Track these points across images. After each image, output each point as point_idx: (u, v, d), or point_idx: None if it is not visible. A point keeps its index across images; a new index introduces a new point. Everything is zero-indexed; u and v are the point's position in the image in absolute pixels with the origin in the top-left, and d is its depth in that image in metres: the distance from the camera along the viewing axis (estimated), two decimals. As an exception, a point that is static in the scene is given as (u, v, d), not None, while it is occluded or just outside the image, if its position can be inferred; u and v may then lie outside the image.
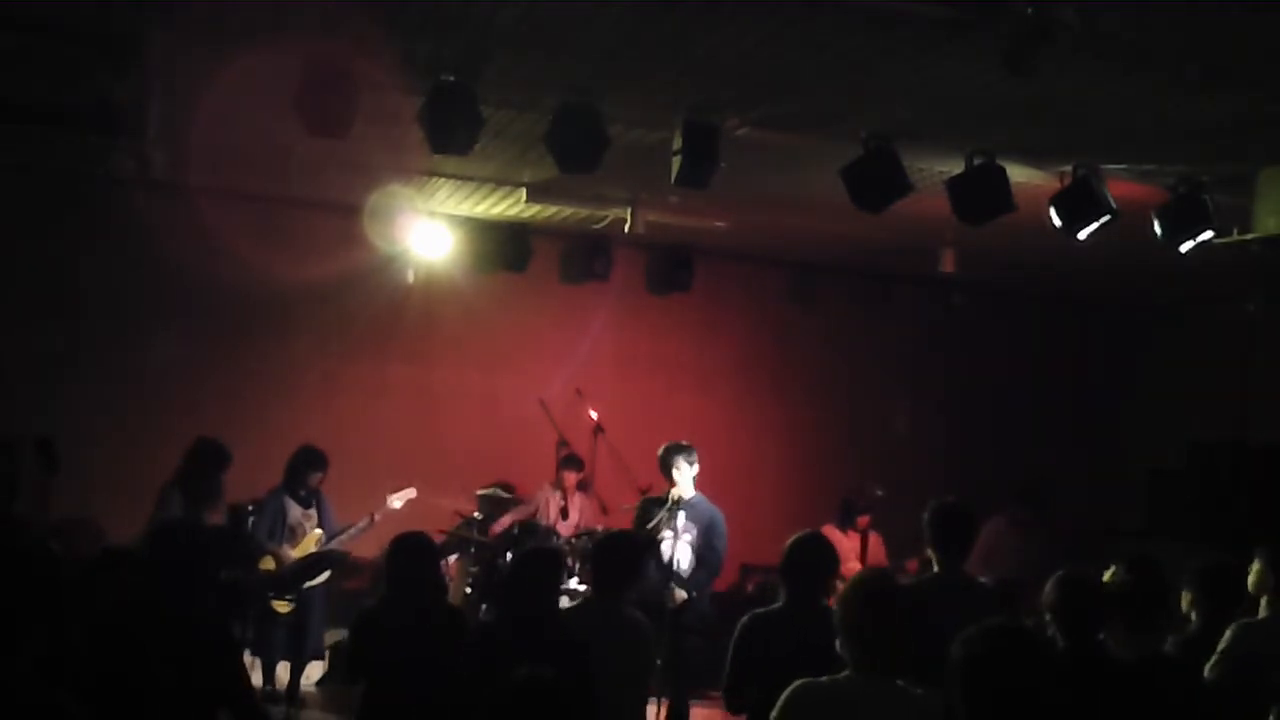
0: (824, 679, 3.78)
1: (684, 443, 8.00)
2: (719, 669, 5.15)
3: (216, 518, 8.07)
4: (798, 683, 3.78)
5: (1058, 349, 11.56)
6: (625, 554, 5.30)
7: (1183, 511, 9.92)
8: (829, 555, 5.18)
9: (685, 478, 7.87)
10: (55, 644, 3.54)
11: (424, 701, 4.74)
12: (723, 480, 10.02)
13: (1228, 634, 5.05)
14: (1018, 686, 3.25)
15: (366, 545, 9.04)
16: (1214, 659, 4.99)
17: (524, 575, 4.92)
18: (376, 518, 8.43)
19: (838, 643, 3.80)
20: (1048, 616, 4.46)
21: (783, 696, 3.77)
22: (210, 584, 4.58)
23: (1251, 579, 5.34)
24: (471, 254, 9.95)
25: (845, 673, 3.78)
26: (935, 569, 5.47)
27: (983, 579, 6.41)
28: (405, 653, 4.86)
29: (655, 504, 8.07)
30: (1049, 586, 4.53)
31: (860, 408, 11.26)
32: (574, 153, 6.00)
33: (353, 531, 8.47)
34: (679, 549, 7.93)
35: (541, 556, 5.07)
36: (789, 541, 5.12)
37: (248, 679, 4.40)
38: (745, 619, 5.10)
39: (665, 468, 7.95)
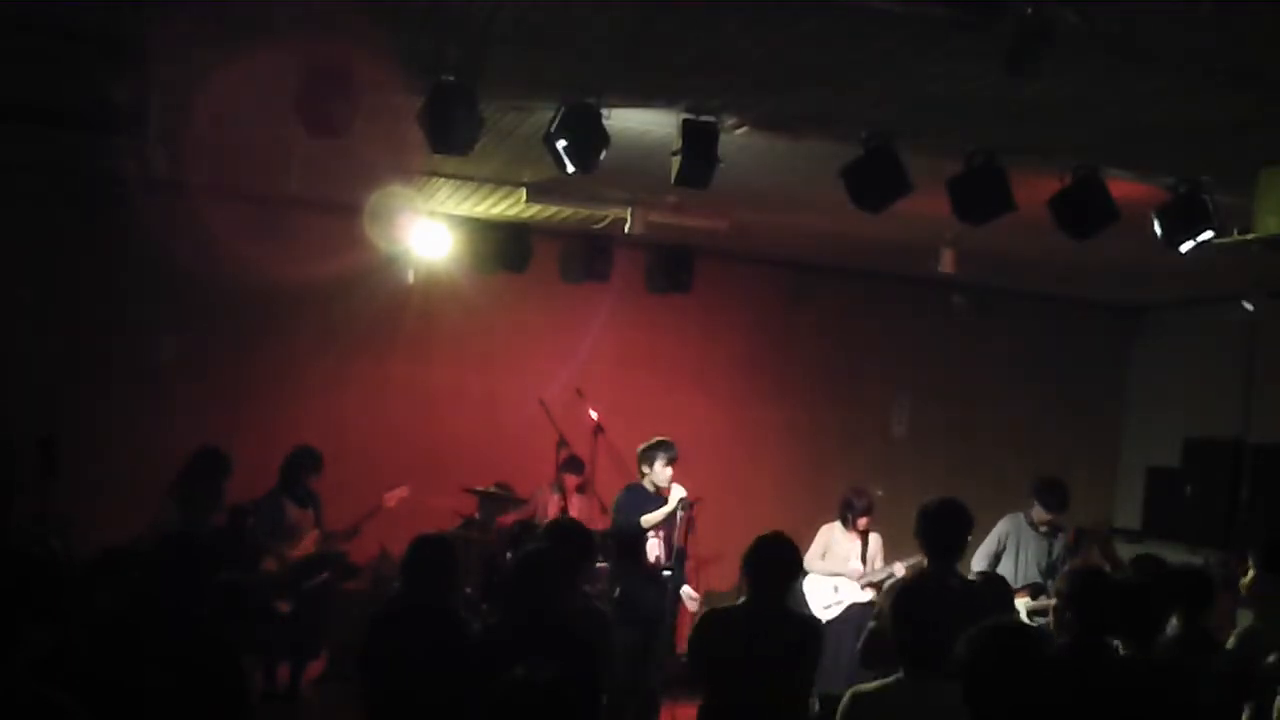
0: (875, 683, 3.81)
1: (664, 438, 8.08)
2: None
3: (217, 519, 8.09)
4: (852, 691, 3.83)
5: (1057, 349, 11.57)
6: (577, 542, 5.37)
7: (1180, 511, 9.93)
8: (793, 557, 5.24)
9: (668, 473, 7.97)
10: (55, 644, 3.54)
11: (431, 701, 4.74)
12: (723, 480, 10.04)
13: (1231, 640, 5.07)
14: (1022, 686, 3.26)
15: (367, 546, 9.06)
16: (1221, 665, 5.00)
17: (528, 574, 4.93)
18: (360, 528, 8.50)
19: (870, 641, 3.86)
20: (1061, 610, 4.46)
21: (840, 706, 3.80)
22: (210, 584, 4.57)
23: (1245, 581, 5.35)
24: (471, 254, 9.95)
25: (896, 675, 3.79)
26: (925, 566, 5.50)
27: (972, 576, 6.41)
28: (415, 652, 4.86)
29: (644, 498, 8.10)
30: (1063, 581, 4.54)
31: (860, 408, 11.27)
32: (572, 152, 5.99)
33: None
34: (659, 545, 8.02)
35: (545, 555, 5.06)
36: (754, 540, 5.20)
37: (246, 679, 4.40)
38: (703, 615, 5.27)
39: (649, 461, 8.02)
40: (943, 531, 5.33)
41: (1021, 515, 8.22)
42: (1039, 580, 7.80)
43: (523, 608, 4.82)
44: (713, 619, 5.20)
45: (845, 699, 3.83)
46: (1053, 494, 8.18)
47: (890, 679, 3.81)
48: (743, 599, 5.25)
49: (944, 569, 5.37)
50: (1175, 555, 7.15)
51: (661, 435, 8.20)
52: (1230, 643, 5.06)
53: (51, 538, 6.22)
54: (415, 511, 8.45)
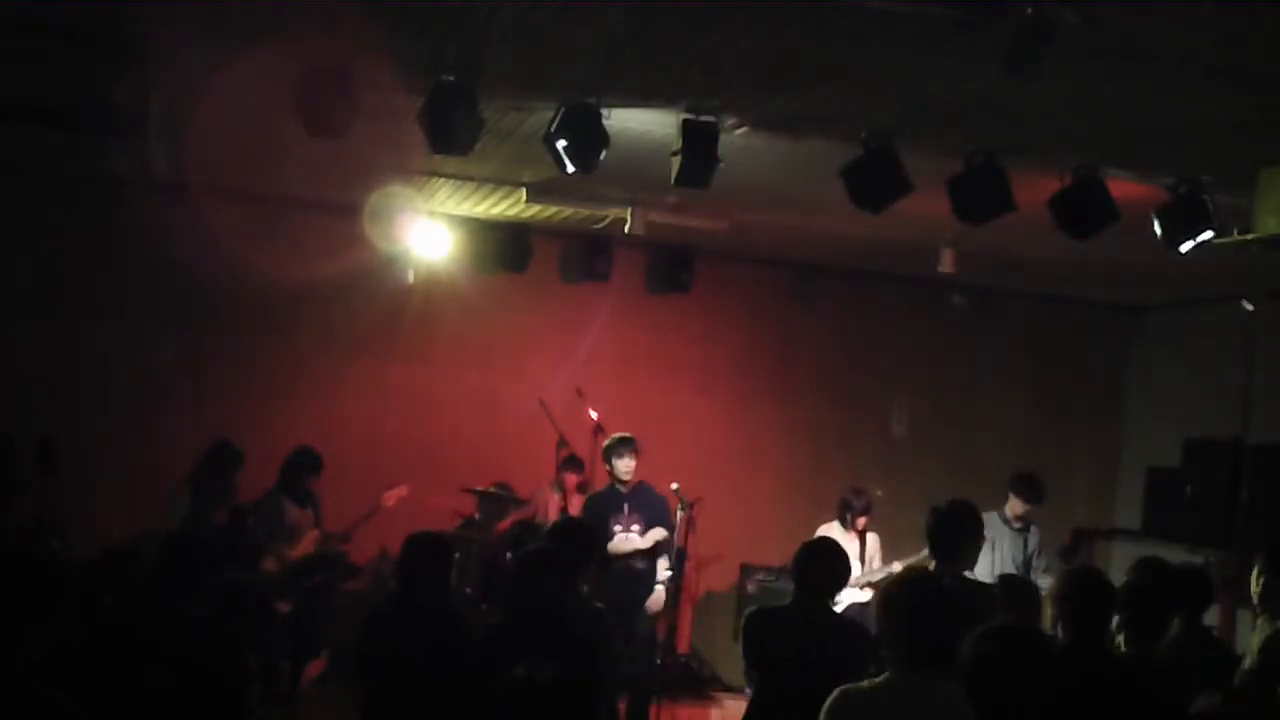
0: (865, 682, 3.78)
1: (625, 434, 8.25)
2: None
3: (219, 517, 8.10)
4: (839, 690, 3.79)
5: (1057, 349, 11.57)
6: (580, 542, 5.40)
7: (1180, 511, 9.92)
8: (836, 563, 5.28)
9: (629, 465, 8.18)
10: (55, 644, 3.54)
11: (429, 700, 4.74)
12: (723, 480, 10.04)
13: (1252, 659, 5.07)
14: (1024, 685, 3.26)
15: (366, 546, 9.05)
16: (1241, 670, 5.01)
17: (529, 574, 4.93)
18: (350, 536, 8.51)
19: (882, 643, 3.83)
20: (1055, 610, 4.46)
21: (826, 705, 3.77)
22: (210, 584, 4.58)
23: (1253, 585, 5.34)
24: (471, 254, 9.95)
25: (885, 675, 3.76)
26: (931, 568, 5.52)
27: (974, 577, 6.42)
28: (412, 651, 4.86)
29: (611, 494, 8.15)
30: (1060, 580, 4.53)
31: (860, 408, 11.26)
32: (572, 152, 6.00)
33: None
34: (632, 540, 8.09)
35: (546, 555, 5.07)
36: (801, 545, 5.31)
37: (248, 679, 4.40)
38: (750, 613, 5.31)
39: (609, 457, 8.13)
40: (950, 533, 5.35)
41: (995, 513, 8.28)
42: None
43: (524, 607, 4.82)
44: (758, 617, 5.29)
45: (833, 696, 3.75)
46: (1028, 486, 8.35)
47: (880, 679, 3.77)
48: (789, 600, 5.32)
49: (944, 570, 5.38)
50: (1175, 555, 7.14)
51: (660, 435, 8.31)
52: (1251, 661, 5.04)
53: (51, 538, 6.23)
54: (415, 511, 8.44)
